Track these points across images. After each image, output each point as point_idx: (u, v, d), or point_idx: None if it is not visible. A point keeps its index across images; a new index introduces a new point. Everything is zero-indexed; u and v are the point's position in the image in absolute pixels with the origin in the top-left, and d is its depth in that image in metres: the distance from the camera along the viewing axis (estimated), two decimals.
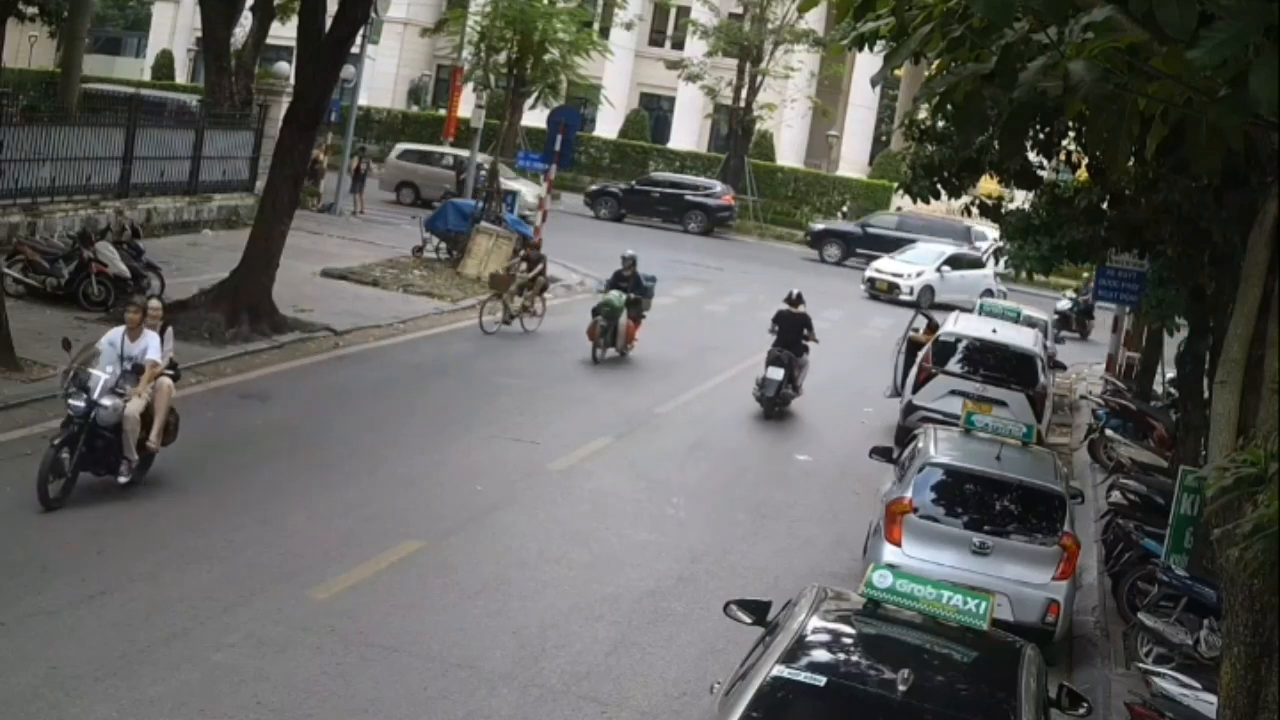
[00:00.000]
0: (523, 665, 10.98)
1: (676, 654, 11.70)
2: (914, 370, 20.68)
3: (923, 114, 17.32)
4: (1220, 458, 8.17)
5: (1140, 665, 11.99)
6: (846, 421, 21.74)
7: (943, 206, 25.68)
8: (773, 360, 21.01)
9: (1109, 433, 20.19)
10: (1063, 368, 25.35)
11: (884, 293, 37.10)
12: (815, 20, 50.87)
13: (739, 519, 15.95)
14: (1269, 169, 9.20)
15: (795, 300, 21.93)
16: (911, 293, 36.55)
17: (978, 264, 38.99)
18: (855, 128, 60.48)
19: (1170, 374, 23.50)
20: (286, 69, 34.88)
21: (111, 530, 12.54)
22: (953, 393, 19.54)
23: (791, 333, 21.37)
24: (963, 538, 12.87)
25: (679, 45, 59.58)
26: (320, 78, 21.67)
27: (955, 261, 38.69)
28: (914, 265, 38.13)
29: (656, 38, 62.99)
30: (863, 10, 7.23)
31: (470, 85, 36.55)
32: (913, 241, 41.10)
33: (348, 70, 33.39)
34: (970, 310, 25.80)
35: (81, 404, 13.03)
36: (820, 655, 7.69)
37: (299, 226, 24.58)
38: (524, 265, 25.50)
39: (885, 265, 38.52)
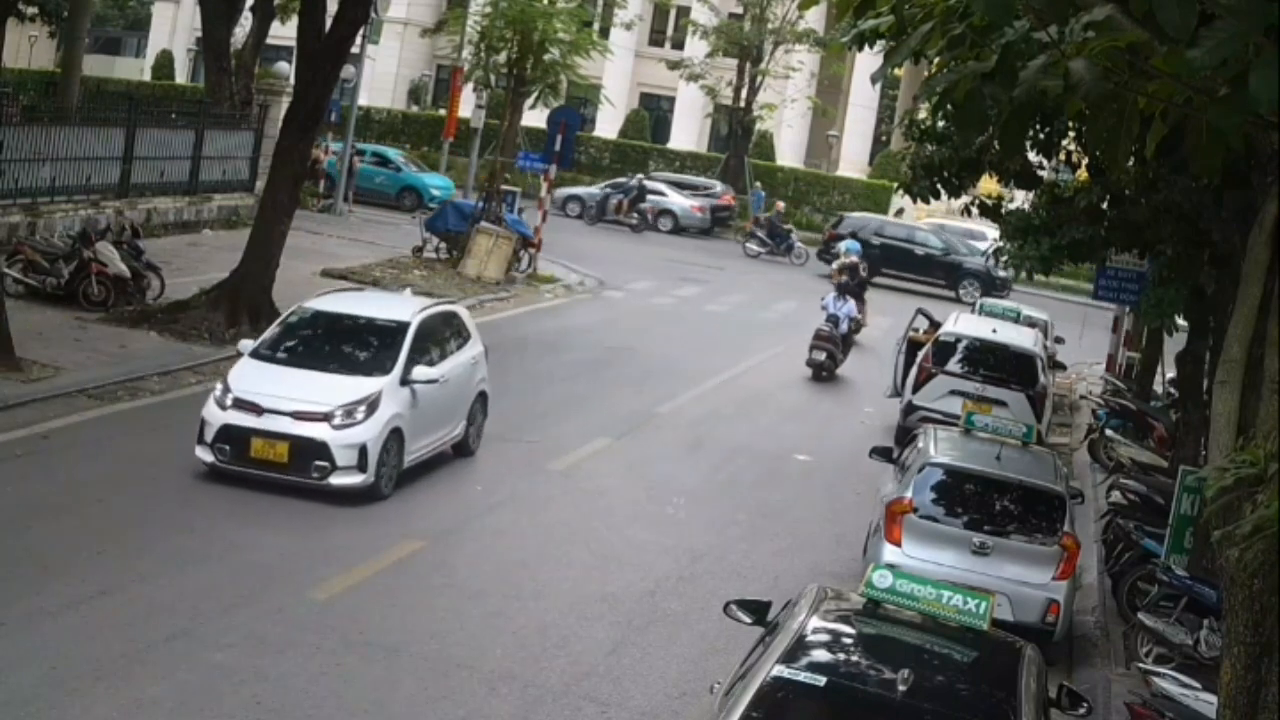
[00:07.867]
0: (523, 665, 10.97)
1: (676, 654, 11.69)
2: (914, 370, 20.69)
3: (923, 114, 17.32)
4: (1220, 458, 8.17)
5: (1140, 665, 11.98)
6: (846, 421, 21.74)
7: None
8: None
9: (1109, 433, 20.18)
10: (1063, 368, 25.36)
11: None
12: (815, 20, 50.86)
13: (739, 519, 15.94)
14: (1269, 169, 9.20)
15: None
16: None
17: None
18: (855, 128, 60.47)
19: (1170, 374, 23.52)
20: (286, 69, 34.89)
21: (111, 530, 12.54)
22: (953, 393, 19.55)
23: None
24: (963, 538, 12.87)
25: (679, 45, 59.55)
26: (320, 78, 21.66)
27: None
28: None
29: (656, 38, 62.98)
30: (863, 8, 7.22)
31: (470, 85, 36.53)
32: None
33: (348, 70, 33.40)
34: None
35: None
36: (820, 655, 7.69)
37: (299, 226, 24.56)
38: None
39: None
